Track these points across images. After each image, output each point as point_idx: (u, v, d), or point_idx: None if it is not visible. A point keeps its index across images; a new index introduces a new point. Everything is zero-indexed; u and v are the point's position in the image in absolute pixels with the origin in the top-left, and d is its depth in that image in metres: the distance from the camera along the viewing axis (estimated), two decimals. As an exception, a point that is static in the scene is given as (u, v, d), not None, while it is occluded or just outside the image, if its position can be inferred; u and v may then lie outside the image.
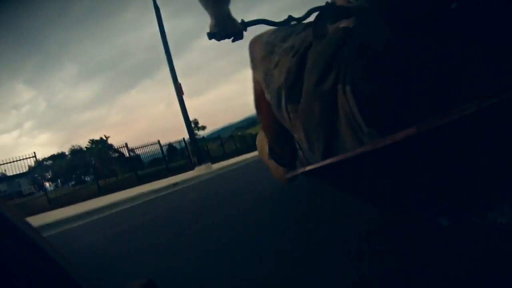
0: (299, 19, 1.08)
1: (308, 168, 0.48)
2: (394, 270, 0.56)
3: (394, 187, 0.44)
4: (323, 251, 0.74)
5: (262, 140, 1.38)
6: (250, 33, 1.08)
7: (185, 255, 1.06)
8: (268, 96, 0.76)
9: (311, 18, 0.95)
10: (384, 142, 0.35)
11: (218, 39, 0.97)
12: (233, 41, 1.03)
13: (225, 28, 0.95)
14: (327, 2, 0.84)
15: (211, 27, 0.95)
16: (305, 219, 1.06)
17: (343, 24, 0.53)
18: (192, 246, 1.14)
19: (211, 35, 0.95)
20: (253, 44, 0.91)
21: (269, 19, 1.13)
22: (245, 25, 1.04)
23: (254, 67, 0.89)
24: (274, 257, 0.79)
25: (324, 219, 0.99)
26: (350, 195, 0.57)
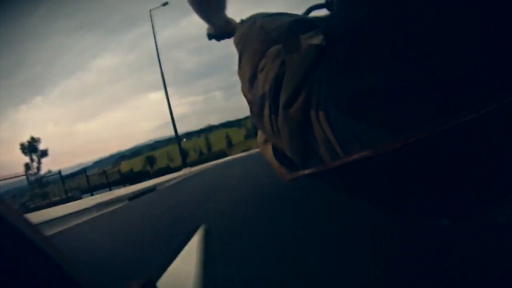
0: None
1: (309, 170, 0.48)
2: (394, 269, 0.57)
3: (396, 190, 0.44)
4: (321, 251, 0.74)
5: (263, 137, 1.36)
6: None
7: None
8: (250, 99, 0.70)
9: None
10: (386, 147, 0.35)
11: (218, 39, 0.96)
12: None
13: (224, 29, 0.94)
14: (326, 0, 0.84)
15: (209, 29, 0.94)
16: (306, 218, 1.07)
17: (317, 39, 0.49)
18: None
19: (211, 36, 0.94)
20: (250, 26, 0.81)
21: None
22: None
23: (243, 58, 0.77)
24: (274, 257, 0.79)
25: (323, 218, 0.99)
26: (351, 197, 0.57)
